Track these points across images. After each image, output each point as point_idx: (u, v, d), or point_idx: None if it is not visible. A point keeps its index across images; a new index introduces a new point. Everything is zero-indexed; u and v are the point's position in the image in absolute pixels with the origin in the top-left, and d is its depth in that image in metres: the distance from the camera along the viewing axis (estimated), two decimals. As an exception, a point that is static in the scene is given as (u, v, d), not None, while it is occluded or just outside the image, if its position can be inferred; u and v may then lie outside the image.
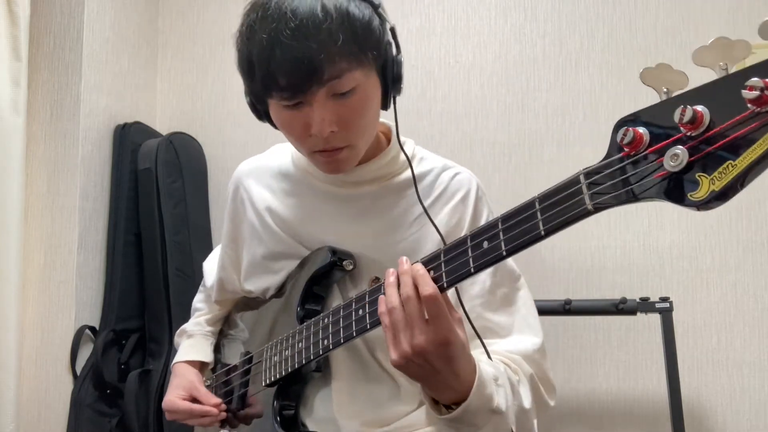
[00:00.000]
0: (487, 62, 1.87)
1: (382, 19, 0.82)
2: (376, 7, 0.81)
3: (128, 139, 1.90)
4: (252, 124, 1.97)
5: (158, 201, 1.84)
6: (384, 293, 0.71)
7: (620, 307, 1.48)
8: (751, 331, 1.62)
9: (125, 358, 1.79)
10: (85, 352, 1.75)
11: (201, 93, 2.11)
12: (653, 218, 1.70)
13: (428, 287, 0.66)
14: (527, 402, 0.80)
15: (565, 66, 1.81)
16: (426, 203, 0.89)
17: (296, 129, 0.82)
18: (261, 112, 0.88)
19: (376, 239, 0.92)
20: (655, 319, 1.52)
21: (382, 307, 0.70)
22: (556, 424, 1.70)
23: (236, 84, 2.06)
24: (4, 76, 1.59)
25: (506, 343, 0.87)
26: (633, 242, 1.70)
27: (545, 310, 1.51)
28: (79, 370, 1.72)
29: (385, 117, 0.95)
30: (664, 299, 1.49)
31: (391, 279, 0.70)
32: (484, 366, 0.75)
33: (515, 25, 1.87)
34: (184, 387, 1.03)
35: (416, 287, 0.68)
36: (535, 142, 1.80)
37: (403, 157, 0.94)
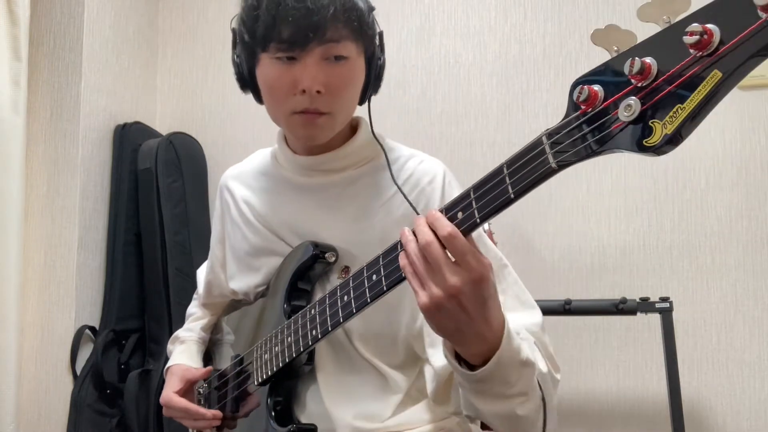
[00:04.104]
0: (487, 62, 1.87)
1: (376, 20, 0.91)
2: (372, 9, 0.89)
3: (128, 139, 1.90)
4: (252, 123, 1.98)
5: (158, 201, 1.84)
6: (403, 249, 0.68)
7: (620, 307, 1.48)
8: (751, 331, 1.62)
9: (125, 358, 1.80)
10: (85, 352, 1.75)
11: (201, 93, 2.11)
12: (653, 218, 1.70)
13: (446, 228, 0.63)
14: (543, 366, 0.77)
15: (565, 66, 1.81)
16: (393, 189, 0.91)
17: (283, 86, 0.85)
18: (247, 77, 0.91)
19: (346, 227, 0.94)
20: (655, 319, 1.52)
21: (403, 261, 0.67)
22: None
23: (236, 84, 2.08)
24: (4, 76, 1.59)
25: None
26: (633, 242, 1.70)
27: (545, 310, 1.48)
28: (79, 370, 1.72)
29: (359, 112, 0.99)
30: (664, 299, 1.48)
31: (407, 234, 0.67)
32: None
33: (515, 25, 1.87)
34: (179, 377, 1.06)
35: (434, 232, 0.65)
36: (535, 142, 1.80)
37: (370, 146, 0.96)
